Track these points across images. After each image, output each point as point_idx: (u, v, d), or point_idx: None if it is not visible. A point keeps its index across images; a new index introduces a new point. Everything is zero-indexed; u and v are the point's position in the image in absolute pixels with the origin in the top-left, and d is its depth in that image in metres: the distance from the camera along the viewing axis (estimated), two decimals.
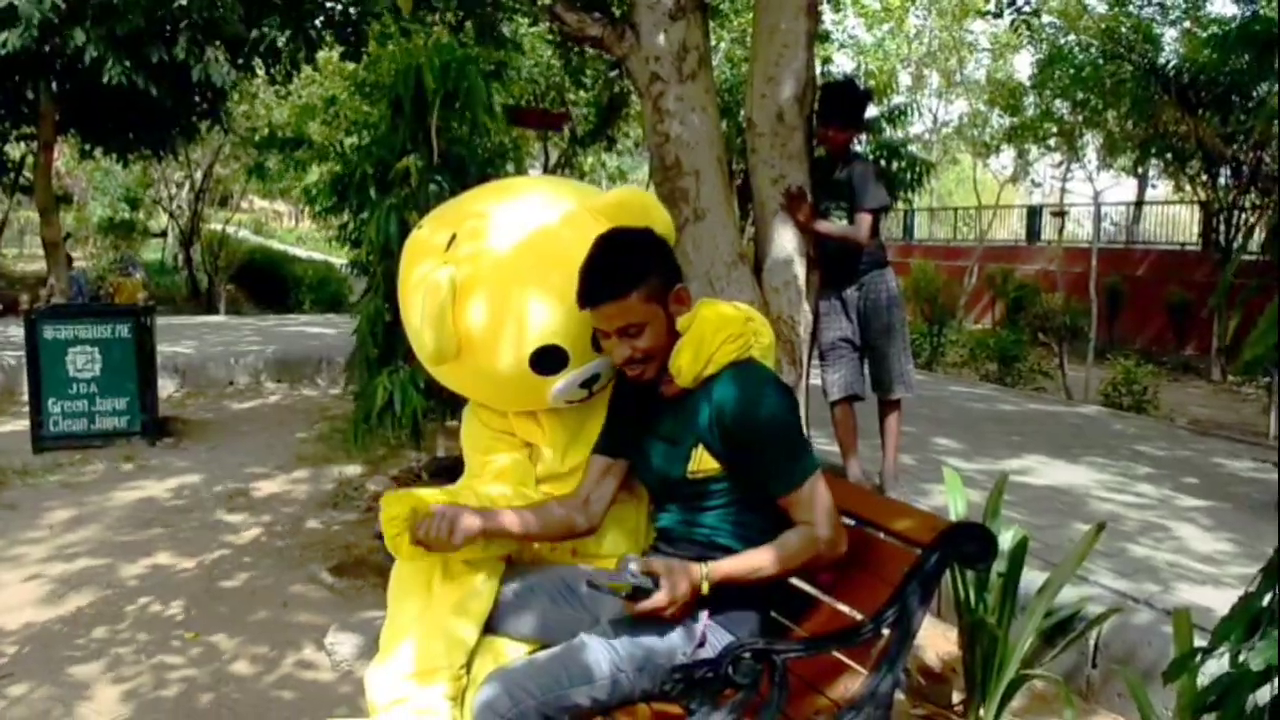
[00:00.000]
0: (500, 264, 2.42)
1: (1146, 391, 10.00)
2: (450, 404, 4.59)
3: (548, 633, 2.38)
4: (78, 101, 10.22)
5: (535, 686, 2.09)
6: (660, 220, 2.52)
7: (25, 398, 7.14)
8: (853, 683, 2.14)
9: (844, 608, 2.33)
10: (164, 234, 29.16)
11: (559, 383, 2.44)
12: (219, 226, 24.23)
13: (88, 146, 12.27)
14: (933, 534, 2.13)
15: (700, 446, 2.25)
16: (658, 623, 2.13)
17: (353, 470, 6.27)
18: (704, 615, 2.20)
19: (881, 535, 2.37)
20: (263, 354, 10.09)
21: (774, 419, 2.20)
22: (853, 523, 2.36)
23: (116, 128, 11.07)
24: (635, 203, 2.54)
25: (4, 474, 6.22)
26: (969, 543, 2.12)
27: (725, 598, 2.17)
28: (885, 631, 2.08)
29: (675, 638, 2.17)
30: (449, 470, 4.88)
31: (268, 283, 22.29)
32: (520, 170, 7.13)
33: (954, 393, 9.23)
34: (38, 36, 7.71)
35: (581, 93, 18.33)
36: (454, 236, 2.46)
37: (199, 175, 22.41)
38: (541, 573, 2.50)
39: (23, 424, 7.15)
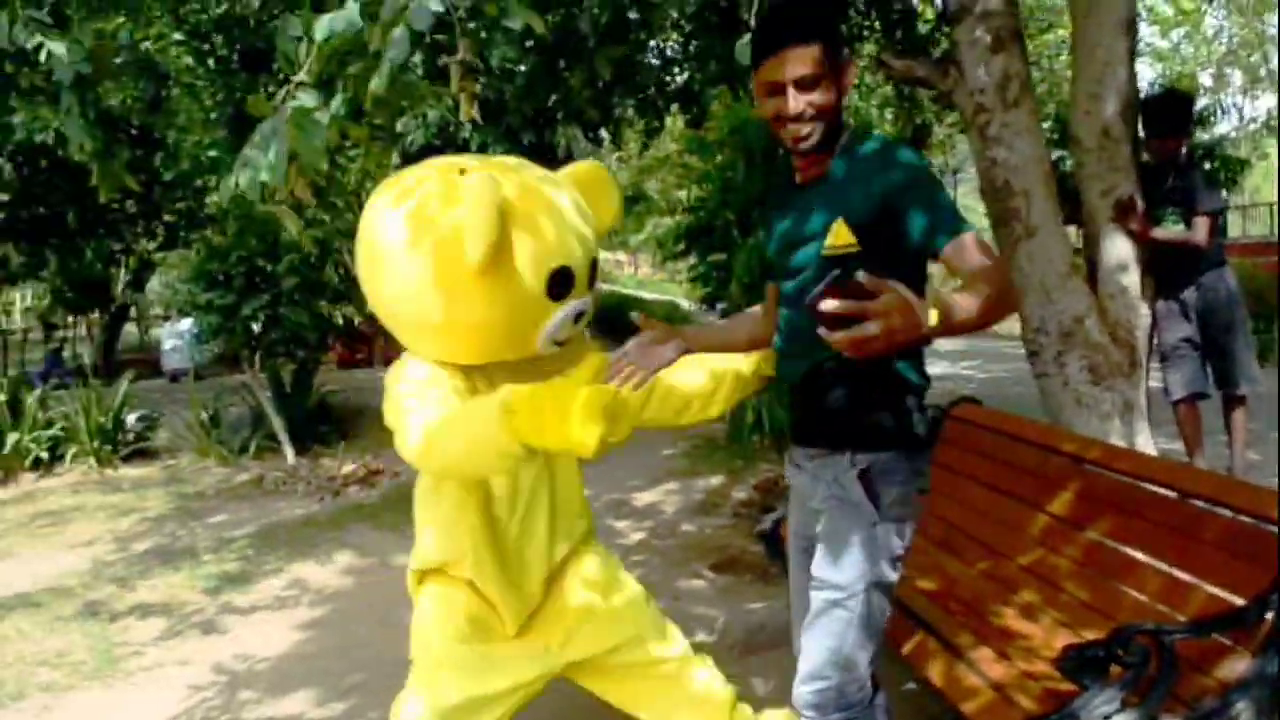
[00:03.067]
0: (520, 184, 2.24)
1: None
2: None
3: None
4: None
5: (832, 670, 1.99)
6: (613, 199, 2.53)
7: None
8: (1237, 665, 2.04)
9: (1220, 592, 2.22)
10: None
11: (562, 309, 2.26)
12: None
13: None
14: None
15: (840, 220, 1.96)
16: (839, 535, 2.01)
17: (716, 481, 6.51)
18: (850, 457, 2.02)
19: (1245, 519, 2.24)
20: None
21: (917, 168, 1.94)
22: (1229, 513, 2.25)
23: None
24: (595, 176, 2.52)
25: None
26: None
27: (870, 436, 2.02)
28: (1269, 615, 1.98)
29: (856, 516, 2.01)
30: None
31: (620, 320, 23.44)
32: None
33: None
34: (436, 133, 8.79)
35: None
36: (463, 170, 2.24)
37: None
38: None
39: None
